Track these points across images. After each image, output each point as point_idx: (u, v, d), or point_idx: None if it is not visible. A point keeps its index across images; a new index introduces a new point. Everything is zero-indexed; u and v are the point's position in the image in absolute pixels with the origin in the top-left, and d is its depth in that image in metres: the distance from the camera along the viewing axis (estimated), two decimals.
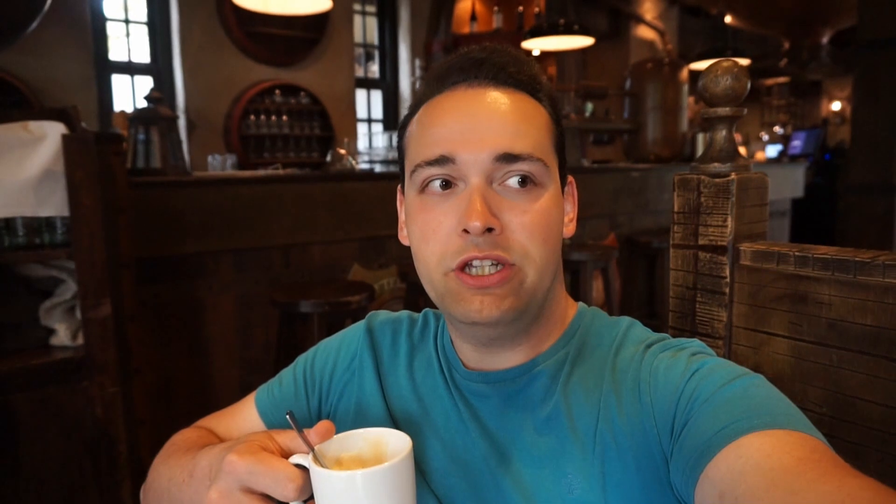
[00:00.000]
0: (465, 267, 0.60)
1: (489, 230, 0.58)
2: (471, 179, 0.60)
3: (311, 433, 0.55)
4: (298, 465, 0.53)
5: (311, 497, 0.52)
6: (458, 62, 0.64)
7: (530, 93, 0.65)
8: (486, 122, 0.61)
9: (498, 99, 0.62)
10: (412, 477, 0.53)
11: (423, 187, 0.63)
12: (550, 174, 0.63)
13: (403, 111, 0.70)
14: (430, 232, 0.62)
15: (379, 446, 0.56)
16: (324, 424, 0.55)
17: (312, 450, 0.53)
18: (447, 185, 0.62)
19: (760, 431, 0.49)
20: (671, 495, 0.57)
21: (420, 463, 0.68)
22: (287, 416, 0.54)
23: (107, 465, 1.73)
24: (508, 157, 0.60)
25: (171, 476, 0.68)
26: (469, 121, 0.61)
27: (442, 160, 0.60)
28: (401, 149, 0.69)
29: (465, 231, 0.58)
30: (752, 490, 0.45)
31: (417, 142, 0.64)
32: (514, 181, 0.61)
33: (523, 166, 0.60)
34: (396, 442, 0.55)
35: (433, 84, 0.66)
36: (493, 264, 0.59)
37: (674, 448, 0.56)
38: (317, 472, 0.50)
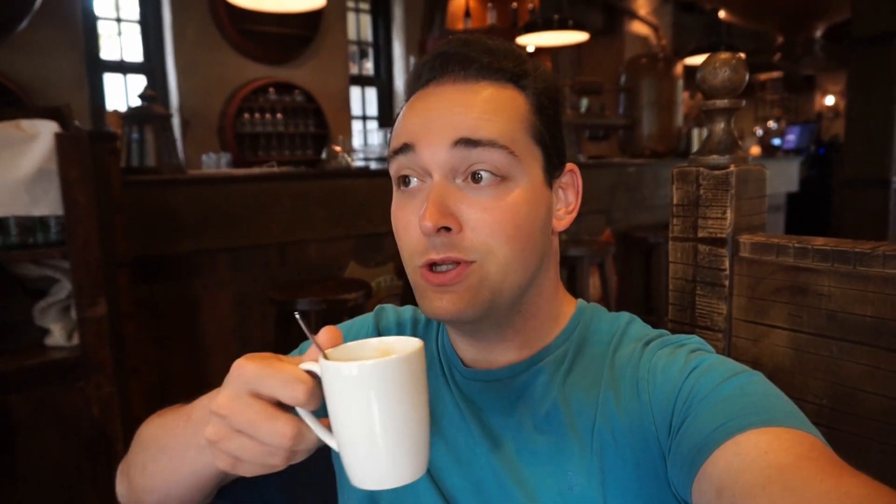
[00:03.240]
0: (430, 266, 0.60)
1: (446, 229, 0.58)
2: (434, 176, 0.60)
3: (321, 337, 0.52)
4: (309, 372, 0.51)
5: (320, 418, 0.51)
6: (430, 59, 0.64)
7: (511, 81, 0.63)
8: (446, 112, 0.60)
9: (463, 90, 0.62)
10: (424, 377, 0.52)
11: (399, 184, 0.64)
12: (522, 166, 0.61)
13: (398, 108, 0.70)
14: (402, 229, 0.62)
15: (389, 352, 0.54)
16: (331, 329, 0.53)
17: (324, 353, 0.51)
18: (415, 181, 0.62)
19: (758, 429, 0.49)
20: (669, 492, 0.57)
21: None
22: (296, 317, 0.52)
23: (104, 465, 1.73)
24: (467, 143, 0.58)
25: (163, 425, 0.66)
26: (431, 113, 0.61)
27: (404, 148, 0.61)
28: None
29: None
30: (750, 487, 0.45)
31: (392, 138, 0.66)
32: (476, 174, 0.59)
33: (484, 154, 0.58)
34: (406, 344, 0.53)
35: (412, 83, 0.66)
36: (451, 263, 0.59)
37: (672, 445, 0.56)
38: (327, 367, 0.49)
